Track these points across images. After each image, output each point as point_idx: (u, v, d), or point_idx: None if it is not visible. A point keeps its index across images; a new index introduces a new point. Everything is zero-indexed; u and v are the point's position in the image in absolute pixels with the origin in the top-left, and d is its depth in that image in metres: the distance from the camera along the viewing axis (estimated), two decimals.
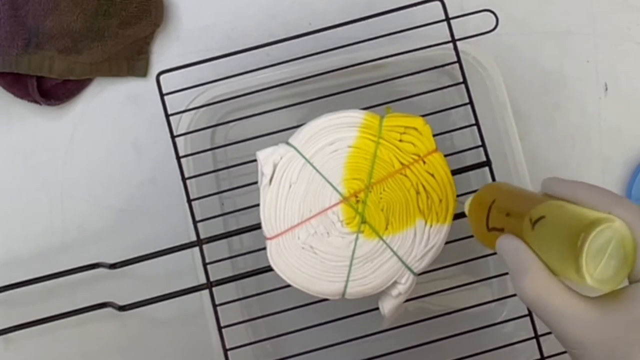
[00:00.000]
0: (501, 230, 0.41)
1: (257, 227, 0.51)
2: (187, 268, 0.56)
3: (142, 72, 0.63)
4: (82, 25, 0.59)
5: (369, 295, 0.50)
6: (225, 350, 0.52)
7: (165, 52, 0.63)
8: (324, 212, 0.49)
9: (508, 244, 0.39)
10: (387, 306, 0.50)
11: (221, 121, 0.59)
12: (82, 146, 0.63)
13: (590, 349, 0.35)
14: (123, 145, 0.63)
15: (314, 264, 0.49)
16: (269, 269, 0.50)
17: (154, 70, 0.63)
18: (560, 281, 0.36)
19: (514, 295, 0.39)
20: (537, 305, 0.36)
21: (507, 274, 0.53)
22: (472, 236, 0.54)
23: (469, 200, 0.47)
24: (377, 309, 0.51)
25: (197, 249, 0.53)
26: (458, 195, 0.50)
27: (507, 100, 0.56)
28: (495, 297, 0.55)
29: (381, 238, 0.49)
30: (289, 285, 0.50)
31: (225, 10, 0.63)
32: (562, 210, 0.37)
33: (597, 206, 0.36)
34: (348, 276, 0.49)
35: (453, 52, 0.53)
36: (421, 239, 0.49)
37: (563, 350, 0.38)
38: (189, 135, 0.56)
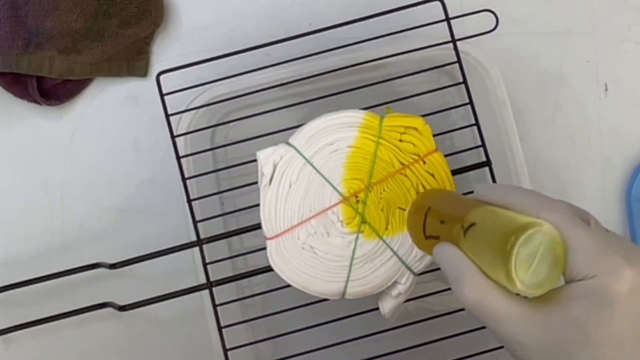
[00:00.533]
0: (437, 237, 0.41)
1: (257, 227, 0.51)
2: (187, 268, 0.56)
3: (142, 72, 0.63)
4: (82, 25, 0.59)
5: (369, 295, 0.50)
6: (225, 350, 0.52)
7: (165, 52, 0.63)
8: (324, 212, 0.49)
9: (444, 252, 0.39)
10: (387, 306, 0.50)
11: (221, 121, 0.59)
12: (82, 146, 0.63)
13: (532, 350, 0.35)
14: (123, 145, 0.63)
15: (314, 264, 0.49)
16: (269, 269, 0.50)
17: (154, 70, 0.63)
18: (497, 285, 0.36)
19: None
20: (477, 310, 0.36)
21: None
22: None
23: (409, 205, 0.48)
24: (377, 309, 0.51)
25: (197, 249, 0.53)
26: None
27: (507, 100, 0.56)
28: None
29: (381, 238, 0.49)
30: (289, 285, 0.50)
31: (225, 10, 0.63)
32: (491, 217, 0.37)
33: (527, 210, 0.36)
34: (348, 276, 0.49)
35: (453, 52, 0.53)
36: None
37: None
38: (189, 135, 0.56)
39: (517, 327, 0.35)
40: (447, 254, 0.38)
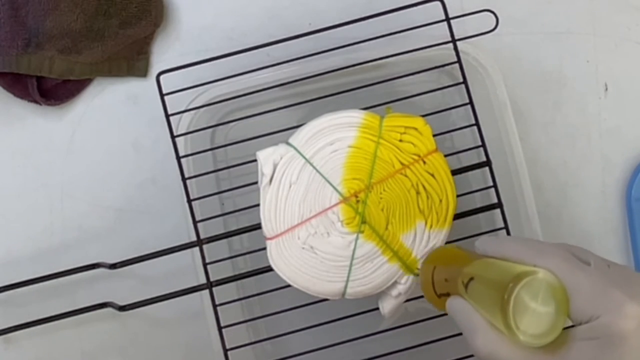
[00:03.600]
0: (447, 294, 0.42)
1: (257, 227, 0.51)
2: (187, 268, 0.56)
3: (142, 72, 0.63)
4: (82, 25, 0.59)
5: (369, 295, 0.50)
6: (225, 350, 0.52)
7: (165, 52, 0.63)
8: (324, 212, 0.49)
9: (454, 307, 0.40)
10: (387, 306, 0.50)
11: (221, 121, 0.59)
12: (82, 146, 0.63)
13: None
14: (123, 145, 0.63)
15: (314, 264, 0.49)
16: (269, 269, 0.50)
17: (154, 70, 0.63)
18: (507, 337, 0.36)
19: None
20: None
21: None
22: (472, 236, 0.54)
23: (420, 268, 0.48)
24: (377, 309, 0.51)
25: (197, 249, 0.53)
26: (458, 196, 0.50)
27: (507, 100, 0.56)
28: None
29: (381, 238, 0.49)
30: (289, 285, 0.50)
31: (225, 10, 0.63)
32: (488, 269, 0.37)
33: (523, 259, 0.36)
34: (348, 276, 0.49)
35: (453, 52, 0.53)
36: (421, 239, 0.49)
37: None
38: (189, 135, 0.56)
39: None
40: (457, 308, 0.39)
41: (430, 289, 0.44)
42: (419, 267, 0.48)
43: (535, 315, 0.34)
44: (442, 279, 0.43)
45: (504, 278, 0.35)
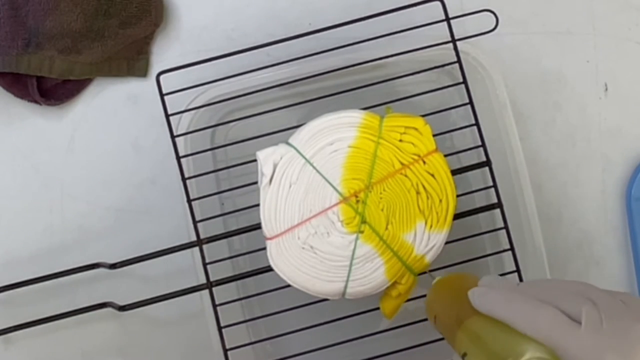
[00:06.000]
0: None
1: (257, 227, 0.51)
2: (187, 268, 0.56)
3: (142, 72, 0.63)
4: (82, 25, 0.59)
5: (369, 295, 0.50)
6: (225, 350, 0.52)
7: (165, 52, 0.63)
8: (324, 212, 0.49)
9: None
10: (387, 306, 0.50)
11: (221, 121, 0.59)
12: (82, 146, 0.63)
13: None
14: (123, 145, 0.63)
15: (314, 264, 0.49)
16: (269, 269, 0.50)
17: (154, 70, 0.63)
18: None
19: None
20: None
21: (507, 273, 0.53)
22: (472, 236, 0.54)
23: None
24: (377, 309, 0.51)
25: (197, 249, 0.53)
26: (458, 196, 0.50)
27: (507, 100, 0.56)
28: None
29: (381, 238, 0.49)
30: (289, 285, 0.50)
31: (225, 10, 0.63)
32: (478, 349, 0.38)
33: (513, 324, 0.37)
34: (348, 276, 0.49)
35: (453, 52, 0.53)
36: (421, 239, 0.49)
37: None
38: (189, 135, 0.56)
39: None
40: None
41: (436, 327, 0.46)
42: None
43: None
44: (443, 328, 0.44)
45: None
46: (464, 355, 0.39)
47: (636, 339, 0.34)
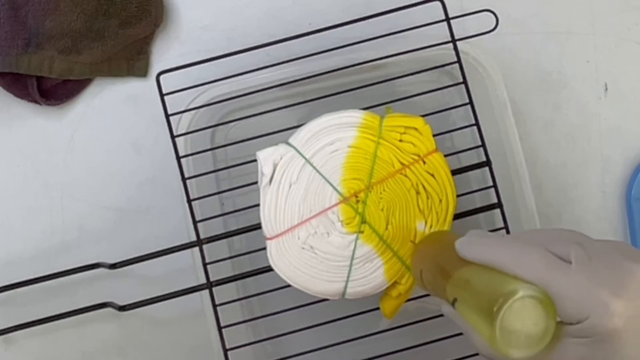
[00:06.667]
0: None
1: (257, 227, 0.51)
2: (187, 268, 0.56)
3: (142, 72, 0.63)
4: (82, 25, 0.59)
5: (369, 295, 0.50)
6: (225, 350, 0.52)
7: (165, 52, 0.63)
8: (324, 212, 0.49)
9: (447, 313, 0.42)
10: (387, 306, 0.50)
11: (221, 121, 0.59)
12: (82, 146, 0.63)
13: None
14: (123, 145, 0.63)
15: (314, 264, 0.49)
16: (269, 269, 0.50)
17: (154, 70, 0.63)
18: None
19: None
20: None
21: None
22: None
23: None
24: (377, 309, 0.51)
25: (197, 249, 0.53)
26: (458, 196, 0.50)
27: (507, 101, 0.56)
28: None
29: (381, 238, 0.49)
30: (289, 285, 0.50)
31: (225, 10, 0.63)
32: (469, 292, 0.38)
33: (504, 269, 0.36)
34: (348, 276, 0.49)
35: (453, 52, 0.53)
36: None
37: None
38: (189, 135, 0.56)
39: None
40: (449, 314, 0.41)
41: (422, 284, 0.46)
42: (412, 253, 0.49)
43: (524, 332, 0.34)
44: (429, 283, 0.44)
45: (487, 301, 0.35)
46: (454, 301, 0.38)
47: (626, 272, 0.34)
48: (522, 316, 0.34)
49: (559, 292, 0.34)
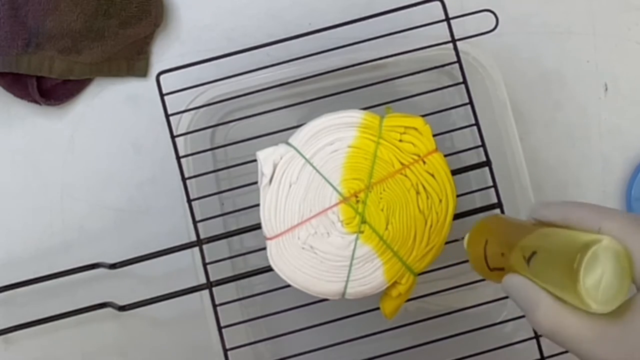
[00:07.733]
0: (502, 269, 0.41)
1: (257, 227, 0.51)
2: (187, 268, 0.56)
3: (142, 72, 0.63)
4: (82, 25, 0.59)
5: (369, 295, 0.50)
6: (225, 350, 0.52)
7: (165, 52, 0.63)
8: (324, 212, 0.49)
9: (512, 284, 0.39)
10: (387, 306, 0.50)
11: (221, 121, 0.59)
12: (82, 146, 0.63)
13: None
14: (123, 145, 0.63)
15: (314, 264, 0.49)
16: (269, 269, 0.50)
17: (154, 70, 0.63)
18: (570, 307, 0.36)
19: None
20: (555, 336, 0.36)
21: None
22: None
23: (466, 239, 0.47)
24: (377, 309, 0.51)
25: (197, 249, 0.53)
26: (458, 196, 0.50)
27: (507, 100, 0.56)
28: (495, 297, 0.54)
29: (381, 238, 0.49)
30: (289, 285, 0.50)
31: (225, 10, 0.63)
32: (551, 242, 0.37)
33: (586, 225, 0.36)
34: (348, 276, 0.49)
35: (453, 52, 0.53)
36: (421, 239, 0.49)
37: (563, 350, 0.38)
38: (188, 135, 0.56)
39: (598, 346, 0.35)
40: (517, 284, 0.38)
41: (483, 263, 0.43)
42: (465, 240, 0.47)
43: (602, 283, 0.34)
44: (497, 252, 0.42)
45: (570, 249, 0.34)
46: (531, 256, 0.37)
47: None
48: (604, 265, 0.34)
49: (639, 251, 0.34)
